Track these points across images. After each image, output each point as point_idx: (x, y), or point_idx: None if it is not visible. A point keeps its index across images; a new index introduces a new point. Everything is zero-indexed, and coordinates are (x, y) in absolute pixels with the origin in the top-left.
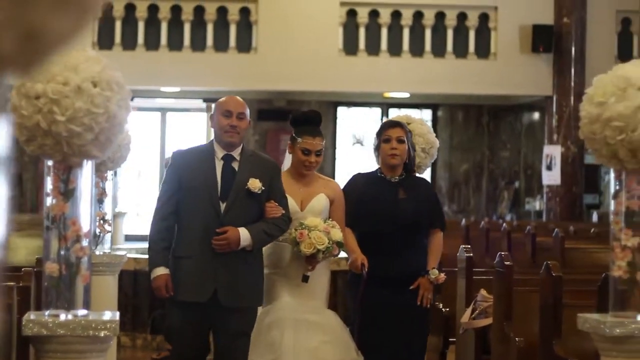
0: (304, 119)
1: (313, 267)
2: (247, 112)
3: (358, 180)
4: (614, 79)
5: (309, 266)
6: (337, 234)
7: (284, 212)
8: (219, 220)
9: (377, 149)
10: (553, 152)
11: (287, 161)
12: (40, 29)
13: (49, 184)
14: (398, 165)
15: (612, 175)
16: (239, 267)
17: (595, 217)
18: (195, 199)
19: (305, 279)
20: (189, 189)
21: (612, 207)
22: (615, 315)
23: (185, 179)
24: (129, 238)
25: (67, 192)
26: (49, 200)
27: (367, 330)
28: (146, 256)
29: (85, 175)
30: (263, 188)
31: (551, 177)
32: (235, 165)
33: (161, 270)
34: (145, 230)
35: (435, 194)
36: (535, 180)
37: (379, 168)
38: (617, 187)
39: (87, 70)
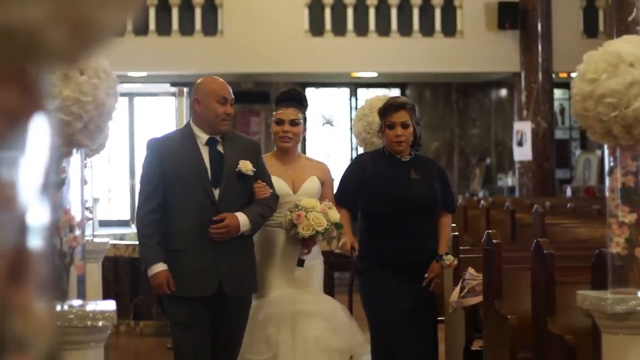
0: (283, 97)
1: (309, 251)
2: None
3: (365, 160)
4: (605, 55)
5: (304, 250)
6: (335, 214)
7: (272, 191)
8: (215, 208)
9: (382, 131)
10: (523, 128)
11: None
12: (89, 22)
13: None
14: (404, 150)
15: (606, 151)
16: (239, 255)
17: (568, 192)
18: (186, 188)
19: (301, 263)
20: (176, 177)
21: (607, 183)
22: (614, 292)
23: (169, 167)
24: (102, 224)
25: (58, 182)
26: None
27: (380, 322)
28: (125, 242)
29: (75, 164)
30: (254, 169)
31: (522, 153)
32: (220, 148)
33: (160, 267)
34: (119, 215)
35: (446, 175)
36: (506, 157)
37: (384, 147)
38: (612, 164)
39: None
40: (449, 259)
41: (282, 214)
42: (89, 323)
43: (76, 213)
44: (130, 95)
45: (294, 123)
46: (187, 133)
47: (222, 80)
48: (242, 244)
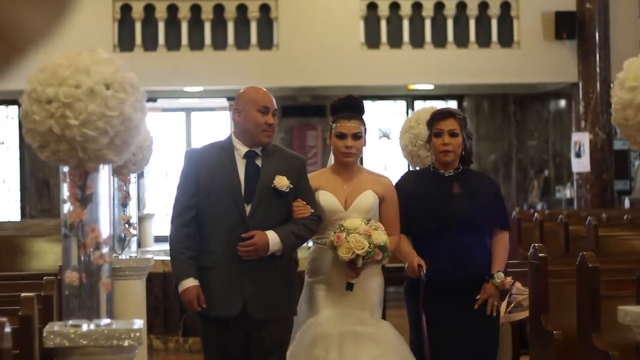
0: (341, 105)
1: (357, 274)
2: None
3: (409, 178)
4: None
5: (352, 273)
6: (380, 236)
7: (312, 211)
8: (244, 224)
9: (429, 141)
10: (581, 139)
11: (332, 157)
12: (11, 26)
13: (65, 190)
14: (452, 161)
15: None
16: (268, 276)
17: (627, 203)
18: (217, 201)
19: (350, 287)
20: (209, 190)
21: None
22: None
23: (203, 179)
24: (158, 239)
25: (84, 199)
26: (66, 208)
27: (432, 347)
28: None
29: (103, 180)
30: (291, 186)
31: (580, 164)
32: (259, 162)
33: (190, 282)
34: None
35: (498, 190)
36: (565, 168)
37: (432, 163)
38: None
39: (100, 72)
40: (500, 277)
41: (331, 231)
42: (115, 342)
43: (104, 230)
44: (187, 110)
45: (356, 137)
46: (226, 145)
47: (264, 89)
48: (272, 264)
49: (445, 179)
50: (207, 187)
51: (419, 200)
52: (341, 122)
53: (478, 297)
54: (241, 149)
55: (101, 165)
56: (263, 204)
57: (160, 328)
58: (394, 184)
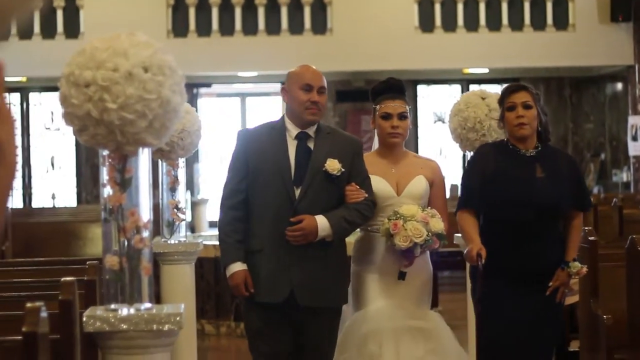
0: (383, 88)
1: (410, 263)
2: (326, 84)
3: (487, 152)
4: None
5: (405, 261)
6: (438, 224)
7: (366, 195)
8: (293, 208)
9: (502, 119)
10: (638, 122)
11: (376, 142)
12: None
13: (104, 174)
14: (529, 136)
15: None
16: (318, 262)
17: None
18: (266, 183)
19: (402, 276)
20: (259, 172)
21: None
22: None
23: (253, 161)
24: (212, 224)
25: (123, 182)
26: (105, 192)
27: (490, 339)
28: None
29: (142, 163)
30: (343, 170)
31: (637, 147)
32: (311, 144)
33: (238, 266)
34: None
35: (579, 170)
36: (622, 152)
37: (508, 139)
38: None
39: (137, 55)
40: (576, 267)
41: (384, 218)
42: (155, 327)
43: (144, 214)
44: (242, 95)
45: (402, 117)
46: (278, 126)
47: (312, 67)
48: (322, 250)
49: (526, 159)
50: (257, 168)
51: (497, 182)
52: (386, 102)
53: (550, 284)
54: (292, 130)
55: (140, 149)
56: (313, 187)
57: (212, 313)
58: (441, 167)
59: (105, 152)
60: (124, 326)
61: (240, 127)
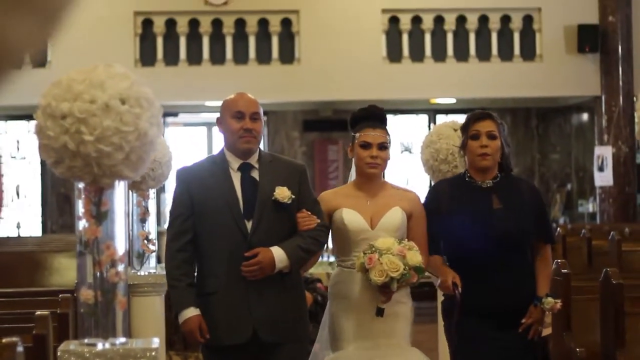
0: (364, 115)
1: (388, 298)
2: (261, 110)
3: (441, 189)
4: None
5: (382, 297)
6: (415, 257)
7: (319, 221)
8: (247, 242)
9: (463, 147)
10: (604, 152)
11: (353, 171)
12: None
13: (80, 207)
14: (490, 167)
15: None
16: (278, 296)
17: None
18: (215, 220)
19: (380, 312)
20: (205, 209)
21: None
22: None
23: (198, 198)
24: None
25: (99, 215)
26: (81, 224)
27: None
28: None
29: (118, 196)
30: (292, 197)
31: (603, 178)
32: (255, 174)
33: (191, 312)
34: None
35: (542, 200)
36: (588, 182)
37: (466, 171)
38: None
39: (115, 86)
40: (550, 302)
41: (359, 253)
42: None
43: (120, 247)
44: (208, 125)
45: (382, 147)
46: (219, 160)
47: (246, 95)
48: (280, 282)
49: (483, 190)
50: (203, 206)
51: (454, 218)
52: (366, 130)
53: (523, 320)
54: (233, 162)
55: (117, 182)
56: (264, 218)
57: (180, 345)
58: (420, 198)
59: (81, 185)
60: None
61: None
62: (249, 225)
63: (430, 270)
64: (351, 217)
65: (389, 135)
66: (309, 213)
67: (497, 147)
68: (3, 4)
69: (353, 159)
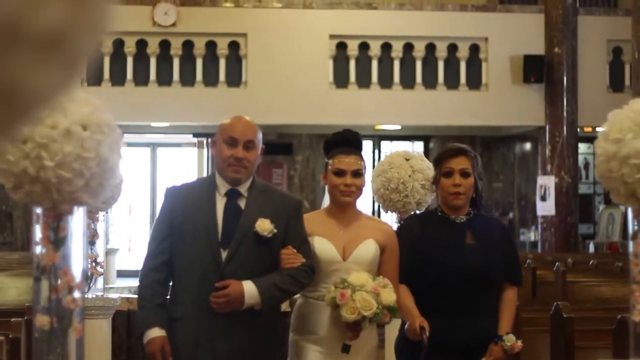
0: (338, 140)
1: (356, 335)
2: (259, 138)
3: (413, 223)
4: (630, 114)
5: (350, 334)
6: (390, 296)
7: (304, 260)
8: (219, 272)
9: (436, 183)
10: (547, 182)
11: (326, 198)
12: (19, 88)
13: (37, 232)
14: (463, 205)
15: (629, 214)
16: (245, 334)
17: (591, 248)
18: (191, 245)
19: (346, 349)
20: (183, 231)
21: (630, 248)
22: None
23: (178, 219)
24: (121, 274)
25: (57, 241)
26: (38, 249)
27: None
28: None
29: (77, 222)
30: (275, 231)
31: (545, 207)
32: (242, 202)
33: (155, 332)
34: (139, 265)
35: (513, 241)
36: (530, 211)
37: (438, 206)
38: (636, 227)
39: (77, 112)
40: (511, 340)
41: (328, 285)
42: None
43: (77, 273)
44: (153, 146)
45: (357, 174)
46: (208, 182)
47: (244, 119)
48: (251, 320)
49: (456, 226)
50: (181, 227)
51: (426, 251)
52: (339, 157)
53: (483, 359)
54: (221, 186)
55: (75, 207)
56: (242, 250)
57: None
58: (394, 233)
59: (40, 210)
60: None
61: (150, 177)
62: (224, 254)
63: (397, 314)
64: (323, 246)
65: (363, 160)
66: (295, 251)
67: (470, 185)
68: (33, 58)
69: (326, 185)
